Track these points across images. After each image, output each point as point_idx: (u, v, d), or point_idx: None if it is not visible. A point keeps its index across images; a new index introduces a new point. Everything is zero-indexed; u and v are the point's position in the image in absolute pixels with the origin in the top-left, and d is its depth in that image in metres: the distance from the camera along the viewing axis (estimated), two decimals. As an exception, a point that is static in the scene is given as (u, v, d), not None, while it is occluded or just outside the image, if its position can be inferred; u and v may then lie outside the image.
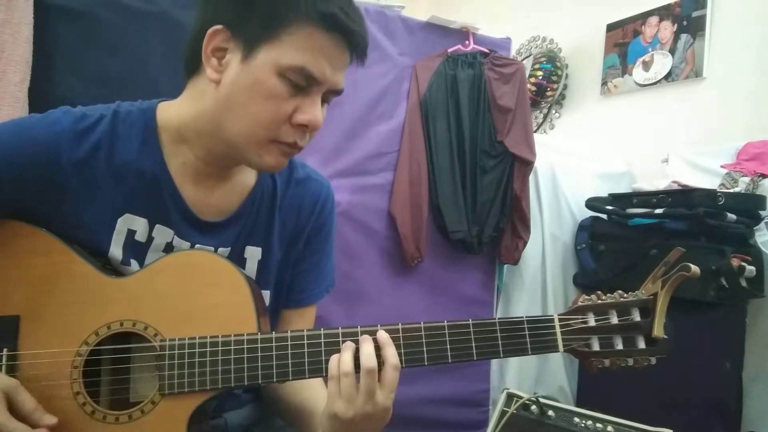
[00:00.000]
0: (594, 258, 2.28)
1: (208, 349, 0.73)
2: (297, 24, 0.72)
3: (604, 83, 3.02)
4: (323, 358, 0.74)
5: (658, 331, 0.74)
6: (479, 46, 2.14)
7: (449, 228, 2.05)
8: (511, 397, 1.59)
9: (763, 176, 2.03)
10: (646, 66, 2.80)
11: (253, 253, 0.88)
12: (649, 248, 2.01)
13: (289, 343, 0.74)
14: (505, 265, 2.25)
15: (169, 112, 0.83)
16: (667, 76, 2.69)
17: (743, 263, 1.84)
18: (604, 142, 2.85)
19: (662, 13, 2.76)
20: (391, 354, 0.72)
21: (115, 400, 0.76)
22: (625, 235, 2.17)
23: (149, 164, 0.80)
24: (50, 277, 0.75)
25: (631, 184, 2.52)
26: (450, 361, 0.76)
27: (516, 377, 2.25)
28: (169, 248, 0.83)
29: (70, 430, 0.72)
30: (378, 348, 0.73)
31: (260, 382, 0.73)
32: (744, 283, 1.85)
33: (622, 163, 2.67)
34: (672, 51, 2.68)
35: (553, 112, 3.33)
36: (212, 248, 0.85)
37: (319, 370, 0.74)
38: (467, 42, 2.13)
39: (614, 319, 0.76)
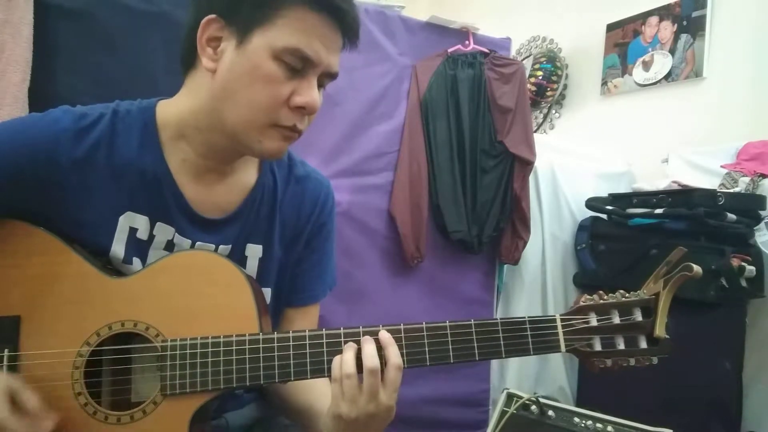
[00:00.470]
0: (594, 258, 2.28)
1: (210, 349, 0.73)
2: (289, 6, 0.73)
3: (604, 83, 3.02)
4: (325, 359, 0.74)
5: (660, 330, 0.74)
6: (479, 46, 2.14)
7: (449, 228, 2.05)
8: (511, 397, 1.59)
9: (763, 176, 2.03)
10: (646, 66, 2.80)
11: (254, 251, 0.88)
12: (649, 248, 2.01)
13: (291, 343, 0.74)
14: (505, 265, 2.25)
15: (168, 109, 0.83)
16: (667, 76, 2.69)
17: (743, 263, 1.84)
18: (604, 142, 2.85)
19: (662, 13, 2.76)
20: (394, 354, 0.72)
21: (116, 400, 0.76)
22: (625, 235, 2.17)
23: (149, 162, 0.80)
24: (51, 277, 0.75)
25: (631, 184, 2.52)
26: (452, 361, 0.76)
27: (516, 377, 2.25)
28: (170, 246, 0.83)
29: (72, 431, 0.72)
30: (380, 348, 0.73)
31: (262, 382, 0.73)
32: (744, 283, 1.85)
33: (622, 163, 2.67)
34: (672, 51, 2.68)
35: (553, 112, 3.33)
36: (213, 246, 0.85)
37: (320, 370, 0.74)
38: (467, 42, 2.13)
39: (616, 319, 0.76)
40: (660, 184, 2.21)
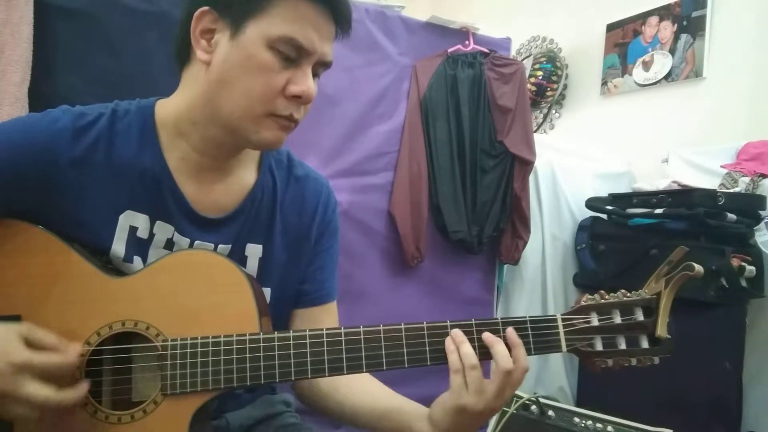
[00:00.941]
0: (594, 258, 2.28)
1: (210, 348, 0.73)
2: None
3: (604, 83, 3.02)
4: (326, 358, 0.74)
5: (662, 330, 0.74)
6: (479, 46, 2.14)
7: (449, 228, 2.05)
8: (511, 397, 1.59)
9: (763, 176, 2.03)
10: (646, 66, 2.80)
11: (254, 251, 0.88)
12: (649, 248, 2.01)
13: (291, 342, 0.74)
14: (505, 265, 2.26)
15: (166, 107, 0.83)
16: (667, 76, 2.69)
17: (743, 263, 1.84)
18: (604, 142, 2.85)
19: (662, 13, 2.76)
20: (523, 356, 0.73)
21: (117, 400, 0.75)
22: (625, 235, 2.17)
23: (148, 161, 0.80)
24: (51, 276, 0.75)
25: (631, 184, 2.52)
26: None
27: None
28: (170, 244, 0.82)
29: (73, 430, 0.72)
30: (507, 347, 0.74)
31: (262, 381, 0.73)
32: (744, 283, 1.85)
33: (622, 163, 2.68)
34: (672, 51, 2.68)
35: (553, 112, 3.33)
36: (212, 245, 0.84)
37: (321, 370, 0.74)
38: (467, 42, 2.13)
39: (617, 319, 0.76)
40: (660, 184, 2.21)
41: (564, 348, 0.76)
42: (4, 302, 0.74)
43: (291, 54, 0.75)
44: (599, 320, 0.76)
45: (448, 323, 0.76)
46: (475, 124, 2.10)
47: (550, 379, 2.30)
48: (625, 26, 2.94)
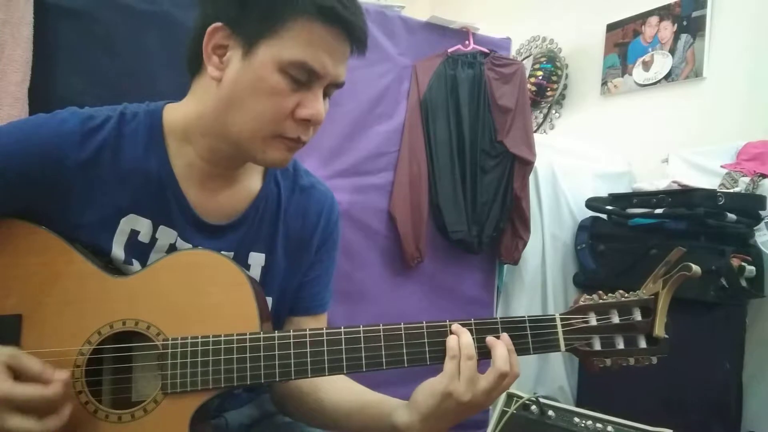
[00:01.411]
0: (594, 258, 2.28)
1: (211, 348, 0.73)
2: (295, 19, 0.72)
3: (604, 83, 3.02)
4: (325, 358, 0.74)
5: (660, 330, 0.74)
6: (479, 46, 2.14)
7: (449, 228, 2.05)
8: (511, 397, 1.59)
9: (763, 176, 2.03)
10: (646, 66, 2.80)
11: (257, 260, 0.88)
12: (649, 248, 2.01)
13: (291, 341, 0.74)
14: (505, 265, 2.26)
15: (175, 113, 0.83)
16: (667, 76, 2.69)
17: (743, 263, 1.84)
18: (604, 142, 2.85)
19: (662, 13, 2.76)
20: (516, 362, 0.74)
21: (117, 399, 0.76)
22: (625, 235, 2.17)
23: (154, 166, 0.80)
24: (52, 276, 0.75)
25: (631, 184, 2.52)
26: None
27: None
28: (172, 250, 0.82)
29: (73, 429, 0.72)
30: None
31: (263, 381, 0.73)
32: (744, 283, 1.85)
33: (622, 163, 2.68)
34: (672, 51, 2.68)
35: (553, 112, 3.33)
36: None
37: (321, 369, 0.74)
38: (467, 42, 2.13)
39: (615, 319, 0.76)
40: (660, 184, 2.21)
41: (562, 347, 0.76)
42: (5, 301, 0.74)
43: (302, 78, 0.74)
44: (597, 320, 0.77)
45: (447, 323, 0.76)
46: (475, 124, 2.10)
47: (550, 379, 2.30)
48: (625, 26, 2.94)
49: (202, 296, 0.76)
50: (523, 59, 3.34)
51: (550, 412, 1.53)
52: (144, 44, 1.54)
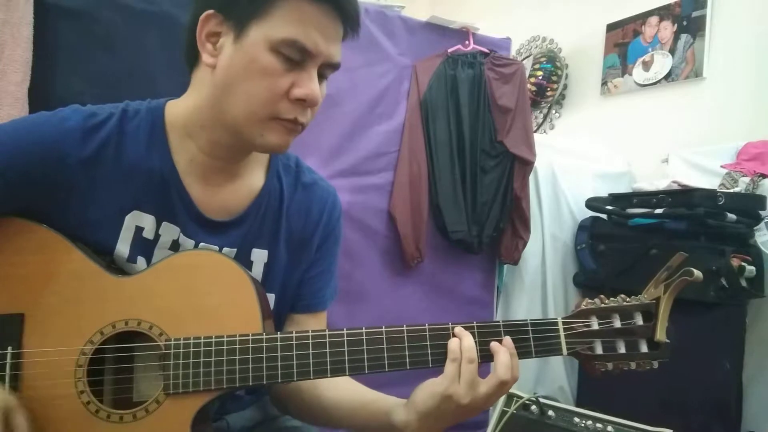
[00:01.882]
0: (594, 258, 2.28)
1: (213, 348, 0.73)
2: None
3: (604, 83, 3.02)
4: (327, 359, 0.74)
5: (661, 335, 0.74)
6: (479, 46, 2.14)
7: (449, 228, 2.05)
8: (511, 397, 1.59)
9: (763, 176, 2.04)
10: (646, 66, 2.80)
11: (259, 256, 0.88)
12: (649, 248, 2.02)
13: (294, 343, 0.74)
14: (505, 265, 2.26)
15: (176, 109, 0.83)
16: (667, 76, 2.69)
17: (743, 263, 1.84)
18: (604, 142, 2.85)
19: (662, 13, 2.76)
20: (517, 367, 0.75)
21: (119, 399, 0.76)
22: (625, 235, 2.17)
23: (157, 162, 0.81)
24: (54, 275, 0.75)
25: (631, 184, 2.52)
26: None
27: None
28: (175, 246, 0.83)
29: (74, 429, 0.72)
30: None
31: (265, 382, 0.73)
32: (744, 283, 1.85)
33: (622, 163, 2.68)
34: (672, 51, 2.68)
35: (553, 112, 3.33)
36: (217, 248, 0.84)
37: (324, 371, 0.74)
38: (467, 42, 2.13)
39: (617, 323, 0.77)
40: (660, 184, 2.21)
41: (564, 351, 0.76)
42: (7, 300, 0.74)
43: (294, 56, 0.74)
44: (599, 324, 0.77)
45: (450, 325, 0.76)
46: (475, 124, 2.10)
47: (550, 379, 2.30)
48: (625, 26, 2.94)
49: (204, 297, 0.75)
50: (523, 59, 3.33)
51: (550, 412, 1.54)
52: (144, 44, 1.54)
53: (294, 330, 0.84)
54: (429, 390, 0.75)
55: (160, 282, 0.76)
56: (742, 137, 2.22)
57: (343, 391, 0.88)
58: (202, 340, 0.73)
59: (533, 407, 1.55)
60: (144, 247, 0.81)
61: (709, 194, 1.94)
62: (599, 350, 0.76)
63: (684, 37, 2.63)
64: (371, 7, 1.99)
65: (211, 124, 0.80)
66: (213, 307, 0.75)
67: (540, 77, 3.14)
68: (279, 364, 0.73)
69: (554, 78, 3.15)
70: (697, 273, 0.72)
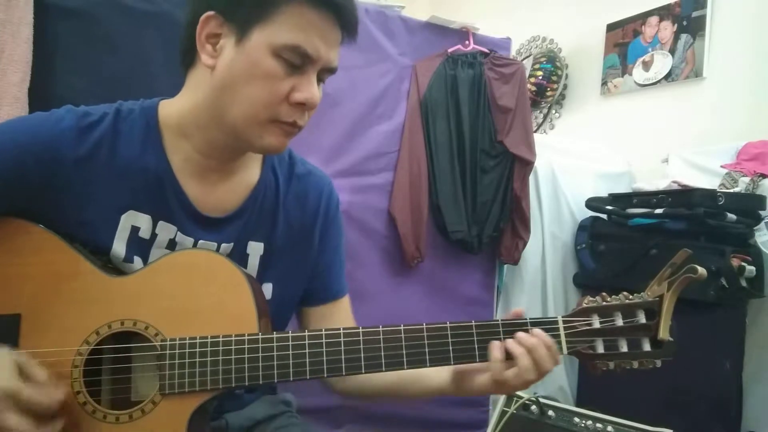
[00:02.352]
0: (594, 258, 2.28)
1: (209, 348, 0.73)
2: (288, 3, 0.73)
3: (604, 83, 3.02)
4: (324, 359, 0.74)
5: (664, 333, 0.73)
6: (479, 46, 2.14)
7: (449, 228, 2.05)
8: (511, 397, 1.59)
9: (763, 176, 2.03)
10: (646, 66, 2.80)
11: (255, 249, 0.89)
12: (650, 248, 2.01)
13: (290, 343, 0.74)
14: (505, 265, 2.25)
15: (170, 108, 0.83)
16: (667, 76, 2.69)
17: (743, 263, 1.84)
18: (604, 142, 2.85)
19: (662, 13, 2.76)
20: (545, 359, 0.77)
21: (115, 399, 0.76)
22: (625, 235, 2.17)
23: (152, 161, 0.81)
24: (50, 275, 0.75)
25: (631, 184, 2.52)
26: (452, 362, 0.76)
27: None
28: (172, 244, 0.83)
29: (71, 430, 0.72)
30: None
31: (261, 382, 0.73)
32: (744, 283, 1.85)
33: (622, 163, 2.67)
34: (672, 51, 2.68)
35: (553, 112, 3.33)
36: (215, 244, 0.85)
37: (320, 370, 0.74)
38: (467, 42, 2.13)
39: (619, 321, 0.76)
40: (660, 184, 2.20)
41: (565, 350, 0.76)
42: (4, 301, 0.74)
43: (296, 61, 0.75)
44: (601, 323, 0.76)
45: (448, 324, 0.76)
46: (475, 124, 2.10)
47: (550, 379, 2.30)
48: (625, 26, 2.94)
49: (200, 296, 0.75)
50: (523, 59, 3.33)
51: (550, 412, 1.53)
52: (144, 44, 1.54)
53: (312, 326, 0.89)
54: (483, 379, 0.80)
55: (156, 282, 0.76)
56: (742, 137, 2.21)
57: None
58: (197, 341, 0.73)
59: (533, 407, 1.55)
60: (140, 246, 0.81)
61: (709, 194, 1.93)
62: (601, 349, 0.76)
63: (684, 37, 2.63)
64: (371, 7, 1.99)
65: (209, 125, 0.80)
66: (209, 307, 0.75)
67: (540, 77, 3.14)
68: (275, 363, 0.73)
69: (554, 78, 3.15)
70: (701, 270, 0.71)
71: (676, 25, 2.68)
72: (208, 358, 0.73)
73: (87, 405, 0.73)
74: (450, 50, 2.09)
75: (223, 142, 0.81)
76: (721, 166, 2.19)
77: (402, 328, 0.76)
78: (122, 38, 1.52)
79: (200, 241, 0.84)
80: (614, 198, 2.27)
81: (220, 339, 0.73)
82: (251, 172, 0.89)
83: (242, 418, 0.94)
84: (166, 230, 0.82)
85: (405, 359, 0.75)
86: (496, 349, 0.76)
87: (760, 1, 2.38)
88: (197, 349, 0.73)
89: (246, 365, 0.73)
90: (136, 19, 1.53)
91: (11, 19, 1.38)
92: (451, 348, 0.76)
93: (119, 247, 0.80)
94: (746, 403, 1.88)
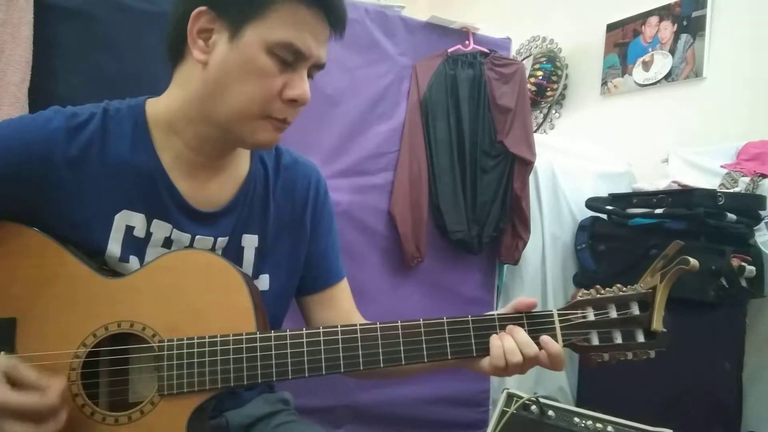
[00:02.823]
0: (594, 258, 2.28)
1: (207, 348, 0.73)
2: (281, 1, 0.74)
3: (604, 83, 3.02)
4: (322, 357, 0.74)
5: (658, 324, 0.74)
6: (479, 46, 2.14)
7: (449, 228, 2.05)
8: (511, 397, 1.59)
9: (763, 176, 2.03)
10: (646, 66, 2.80)
11: (250, 241, 0.89)
12: (649, 248, 2.01)
13: (288, 341, 0.74)
14: (505, 265, 2.25)
15: (158, 105, 0.84)
16: (667, 76, 2.69)
17: (743, 263, 1.84)
18: (604, 142, 2.85)
19: (662, 13, 2.76)
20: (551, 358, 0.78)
21: (114, 401, 0.76)
22: (625, 235, 2.17)
23: (143, 160, 0.81)
24: (46, 278, 0.75)
25: (631, 184, 2.52)
26: (450, 357, 0.76)
27: (516, 377, 2.23)
28: (167, 242, 0.83)
29: None
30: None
31: (259, 381, 0.73)
32: (744, 283, 1.85)
33: (622, 163, 2.67)
34: (672, 51, 2.68)
35: (553, 112, 3.33)
36: (211, 238, 0.85)
37: (318, 368, 0.74)
38: (467, 42, 2.13)
39: (613, 313, 0.76)
40: (660, 184, 2.20)
41: (560, 343, 0.76)
42: (0, 305, 0.74)
43: (288, 58, 0.76)
44: (595, 315, 0.77)
45: (444, 320, 0.77)
46: (475, 124, 2.10)
47: (550, 379, 2.30)
48: (625, 26, 2.94)
49: (197, 297, 0.75)
50: (523, 59, 3.33)
51: (550, 412, 1.53)
52: (144, 44, 1.54)
53: (314, 314, 0.93)
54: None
55: (153, 283, 0.76)
56: (742, 137, 2.21)
57: None
58: (195, 341, 0.73)
59: (533, 407, 1.54)
60: (135, 246, 0.81)
61: (709, 194, 1.93)
62: (595, 341, 0.76)
63: (684, 37, 2.63)
64: (371, 7, 1.99)
65: (199, 120, 0.80)
66: (206, 307, 0.75)
67: (540, 77, 3.14)
68: (273, 362, 0.73)
69: (554, 78, 3.15)
70: (693, 261, 0.71)
71: (676, 25, 2.68)
72: (206, 358, 0.73)
73: (85, 407, 0.73)
74: (450, 50, 2.09)
75: (213, 137, 0.81)
76: (721, 166, 2.19)
77: (399, 324, 0.76)
78: (122, 38, 1.52)
79: (197, 237, 0.84)
80: (614, 198, 2.27)
81: (218, 338, 0.73)
82: (241, 165, 0.90)
83: (242, 416, 0.95)
84: (161, 228, 0.82)
85: (403, 355, 0.75)
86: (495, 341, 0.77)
87: (760, 1, 2.38)
88: (195, 350, 0.73)
89: (244, 365, 0.73)
90: (136, 19, 1.53)
91: (11, 19, 1.38)
92: (448, 343, 0.76)
93: (114, 248, 0.80)
94: (746, 403, 1.88)
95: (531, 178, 2.21)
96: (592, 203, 2.32)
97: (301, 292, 0.98)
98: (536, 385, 2.28)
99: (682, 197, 1.98)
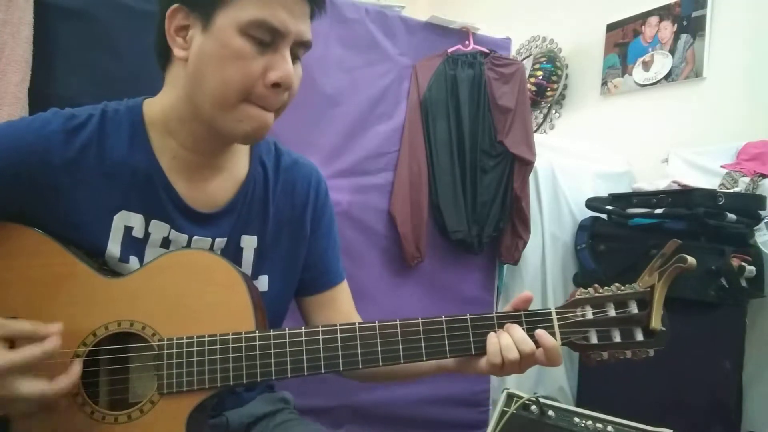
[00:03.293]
0: (594, 258, 2.27)
1: (207, 347, 0.73)
2: None
3: (604, 83, 3.02)
4: (321, 355, 0.74)
5: (656, 322, 0.74)
6: (479, 46, 2.14)
7: (449, 228, 2.05)
8: (511, 397, 1.59)
9: (763, 176, 2.03)
10: (646, 66, 2.80)
11: (249, 242, 0.89)
12: (649, 248, 2.01)
13: (287, 340, 0.74)
14: (505, 265, 2.25)
15: (154, 106, 0.84)
16: (667, 76, 2.69)
17: (743, 263, 1.83)
18: (604, 142, 2.85)
19: (662, 13, 2.76)
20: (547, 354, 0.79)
21: (114, 400, 0.76)
22: (625, 235, 2.17)
23: (141, 161, 0.81)
24: (47, 278, 0.75)
25: (631, 184, 2.52)
26: (448, 356, 0.76)
27: (516, 377, 2.25)
28: (166, 243, 0.83)
29: (70, 431, 0.72)
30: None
31: (258, 379, 0.73)
32: (744, 283, 1.85)
33: (622, 163, 2.67)
34: (672, 51, 2.68)
35: (553, 112, 3.33)
36: (209, 239, 0.85)
37: (317, 367, 0.74)
38: (467, 42, 2.13)
39: (612, 312, 0.77)
40: (660, 184, 2.20)
41: (559, 341, 0.77)
42: (0, 304, 0.74)
43: (265, 38, 0.74)
44: (594, 313, 0.77)
45: (443, 318, 0.77)
46: (475, 124, 2.10)
47: (550, 379, 2.30)
48: (625, 26, 2.94)
49: (196, 296, 0.76)
50: (523, 59, 3.33)
51: (550, 412, 1.53)
52: (144, 44, 1.52)
53: (314, 315, 0.93)
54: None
55: (152, 282, 0.76)
56: (742, 137, 2.21)
57: None
58: (195, 340, 0.73)
59: (533, 407, 1.54)
60: (135, 246, 0.81)
61: (709, 194, 1.93)
62: (594, 339, 0.76)
63: (684, 37, 2.63)
64: (371, 7, 1.99)
65: (190, 118, 0.80)
66: (205, 306, 0.75)
67: (540, 77, 3.14)
68: (272, 361, 0.73)
69: (554, 78, 3.15)
70: (691, 260, 0.72)
71: (676, 25, 2.68)
72: (206, 357, 0.73)
73: (85, 406, 0.73)
74: (450, 50, 2.09)
75: (205, 134, 0.81)
76: (721, 166, 2.19)
77: (398, 323, 0.76)
78: (122, 38, 1.52)
79: (194, 237, 0.84)
80: (614, 198, 2.27)
81: (217, 338, 0.74)
82: (240, 166, 0.90)
83: (242, 415, 0.95)
84: (159, 228, 0.82)
85: (402, 354, 0.75)
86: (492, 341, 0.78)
87: (760, 1, 2.38)
88: (194, 348, 0.73)
89: (243, 363, 0.73)
90: (136, 19, 1.53)
91: (11, 19, 1.38)
92: (447, 342, 0.76)
93: (114, 248, 0.80)
94: (746, 403, 1.88)
95: (531, 178, 2.21)
96: (592, 203, 2.32)
97: (300, 293, 0.97)
98: (536, 385, 2.28)
99: (682, 197, 1.98)
